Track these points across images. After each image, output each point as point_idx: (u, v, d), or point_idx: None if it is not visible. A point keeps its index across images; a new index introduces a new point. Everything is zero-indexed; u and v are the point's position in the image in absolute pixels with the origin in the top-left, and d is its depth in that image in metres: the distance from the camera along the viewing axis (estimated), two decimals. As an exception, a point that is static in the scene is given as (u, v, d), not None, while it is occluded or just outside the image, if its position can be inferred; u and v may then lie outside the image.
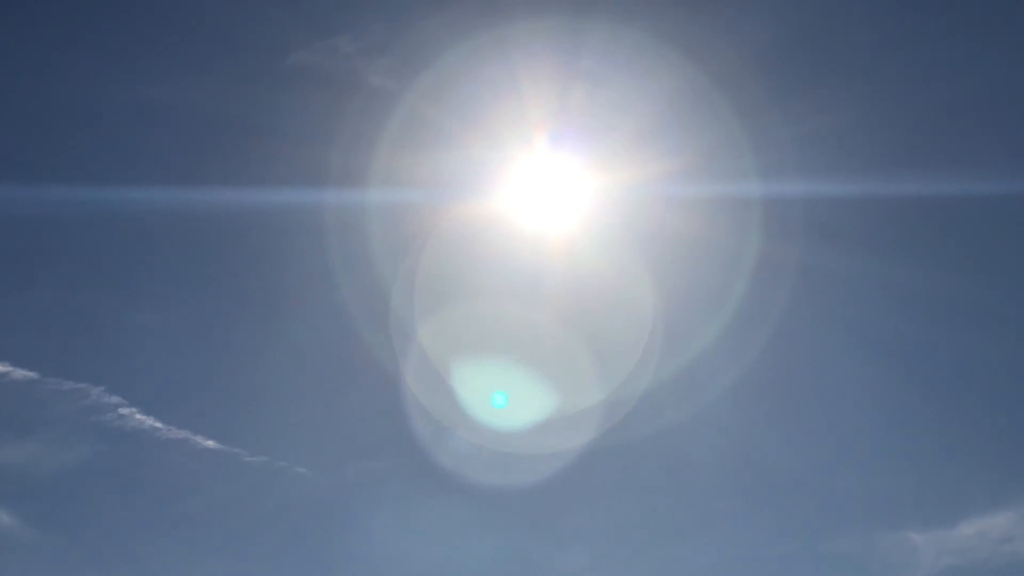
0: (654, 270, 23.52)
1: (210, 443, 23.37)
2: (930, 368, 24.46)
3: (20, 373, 22.92)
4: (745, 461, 23.82)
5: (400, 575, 22.79)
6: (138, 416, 23.33)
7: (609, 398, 23.24)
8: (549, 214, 23.47)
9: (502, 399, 23.01)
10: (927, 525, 23.13)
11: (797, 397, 24.42)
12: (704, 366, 23.28)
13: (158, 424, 23.35)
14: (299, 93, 23.68)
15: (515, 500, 22.91)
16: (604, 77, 22.88)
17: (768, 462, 23.95)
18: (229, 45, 24.00)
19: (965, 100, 24.17)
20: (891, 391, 24.39)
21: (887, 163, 24.08)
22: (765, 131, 23.36)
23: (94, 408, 23.27)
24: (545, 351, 23.36)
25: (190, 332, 24.19)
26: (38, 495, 22.81)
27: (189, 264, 24.31)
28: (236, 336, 24.02)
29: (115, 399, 23.35)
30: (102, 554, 22.77)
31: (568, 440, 23.06)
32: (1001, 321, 24.17)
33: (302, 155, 23.05)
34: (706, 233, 23.43)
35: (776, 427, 24.13)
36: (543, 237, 23.56)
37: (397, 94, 22.98)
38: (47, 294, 23.62)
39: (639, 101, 23.02)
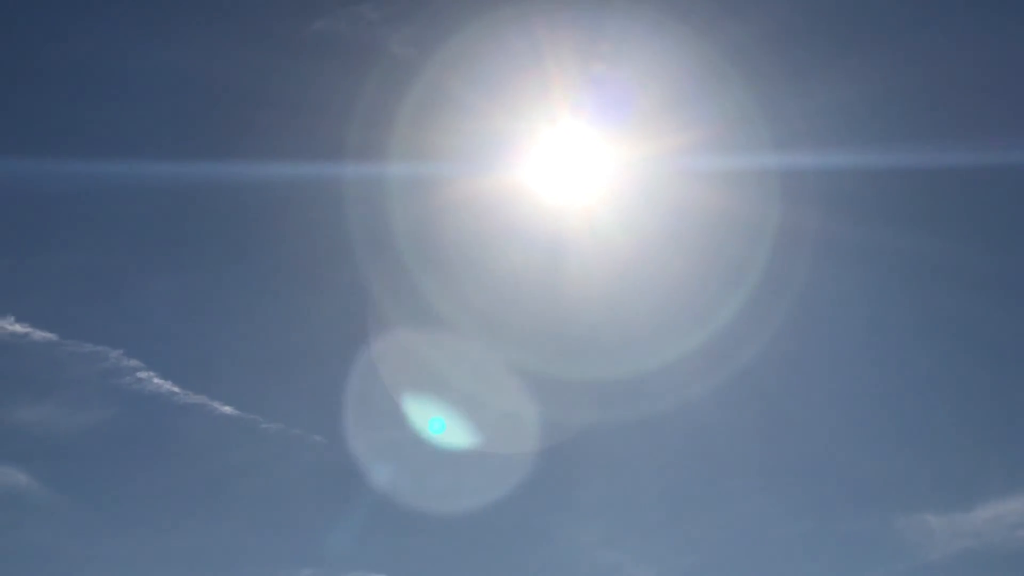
0: (674, 242, 23.46)
1: (227, 409, 23.47)
2: (950, 346, 24.36)
3: (39, 335, 23.05)
4: (763, 438, 23.80)
5: (413, 545, 22.95)
6: (156, 380, 23.45)
7: (628, 372, 23.21)
8: (570, 186, 23.40)
9: (439, 425, 22.99)
10: (944, 508, 23.10)
11: (817, 374, 24.38)
12: (723, 341, 23.22)
13: (176, 389, 23.47)
14: (321, 61, 23.70)
15: (533, 467, 22.83)
16: (625, 50, 22.78)
17: (786, 440, 23.94)
18: (252, 11, 24.05)
19: (987, 71, 24.00)
20: (911, 369, 24.33)
21: (907, 134, 23.98)
22: (783, 103, 23.32)
23: (112, 371, 23.41)
24: (563, 325, 23.33)
25: (209, 299, 24.34)
26: (55, 456, 22.99)
27: (210, 233, 24.45)
28: (255, 305, 24.13)
29: (133, 363, 23.48)
30: (117, 516, 22.98)
31: (592, 413, 23.09)
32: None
33: (323, 125, 23.05)
34: (726, 205, 23.33)
35: (796, 404, 24.06)
36: (564, 208, 23.50)
37: (419, 63, 22.95)
38: (67, 257, 23.82)
39: (659, 75, 22.93)
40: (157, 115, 24.16)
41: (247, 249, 24.14)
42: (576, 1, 22.58)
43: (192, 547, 22.62)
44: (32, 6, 23.95)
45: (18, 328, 22.88)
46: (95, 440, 23.26)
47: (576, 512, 23.37)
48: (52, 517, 22.50)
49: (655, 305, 23.47)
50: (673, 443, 23.71)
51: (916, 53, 24.18)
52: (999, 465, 23.25)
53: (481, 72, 22.66)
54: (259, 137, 23.12)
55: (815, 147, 23.42)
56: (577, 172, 23.30)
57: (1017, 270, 24.13)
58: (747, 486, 23.58)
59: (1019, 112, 23.98)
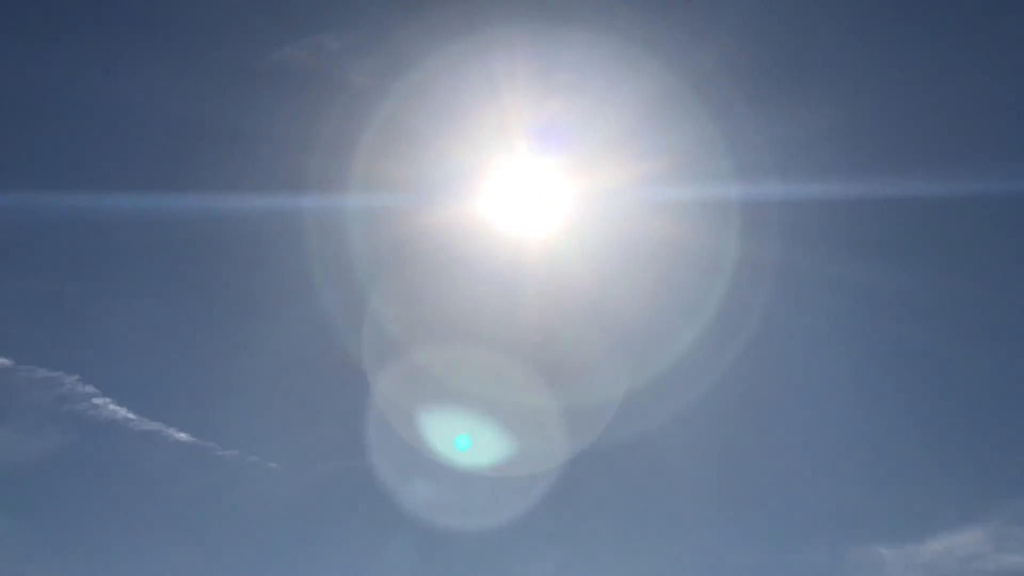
0: (633, 273, 23.56)
1: (183, 435, 23.42)
2: (906, 378, 24.53)
3: (-6, 360, 22.95)
4: (719, 469, 23.85)
5: (369, 572, 22.93)
6: (112, 406, 23.37)
7: (587, 403, 23.26)
8: (529, 217, 23.47)
9: (464, 442, 23.04)
10: (896, 539, 23.18)
11: (773, 405, 24.44)
12: (682, 372, 23.27)
13: (131, 415, 23.40)
14: (282, 90, 23.72)
15: (486, 496, 22.89)
16: (584, 81, 22.89)
17: (742, 470, 24.02)
18: (212, 39, 24.01)
19: (945, 102, 24.16)
20: (867, 401, 24.47)
21: (866, 165, 24.13)
22: (744, 133, 23.38)
23: (68, 397, 23.30)
24: (524, 355, 23.36)
25: (167, 326, 24.26)
26: (8, 483, 22.87)
27: (168, 262, 24.39)
28: (213, 332, 24.10)
29: (89, 388, 23.40)
30: (72, 543, 22.84)
31: (548, 446, 23.09)
32: (982, 328, 24.22)
33: (282, 156, 23.06)
34: (685, 236, 23.42)
35: (751, 434, 24.17)
36: (523, 240, 23.57)
37: (380, 94, 22.96)
38: (24, 283, 23.64)
39: (618, 105, 23.02)
40: (114, 145, 24.17)
41: (205, 278, 24.17)
42: (535, 34, 22.65)
43: (146, 573, 22.57)
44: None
45: (-27, 354, 22.80)
46: (50, 467, 23.19)
47: (532, 541, 23.39)
48: (4, 544, 22.38)
49: (613, 335, 23.57)
50: (629, 472, 23.80)
51: (878, 83, 24.42)
52: (953, 497, 23.40)
53: (441, 103, 22.74)
54: (218, 167, 23.17)
55: (775, 178, 23.55)
56: (536, 203, 23.38)
57: (977, 301, 24.33)
58: (702, 516, 23.63)
59: (983, 142, 24.23)
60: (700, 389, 23.33)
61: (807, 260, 23.71)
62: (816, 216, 24.08)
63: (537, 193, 23.33)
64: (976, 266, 24.54)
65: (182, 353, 24.12)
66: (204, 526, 23.18)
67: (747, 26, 23.84)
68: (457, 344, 23.16)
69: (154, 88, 23.77)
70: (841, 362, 24.71)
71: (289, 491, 23.44)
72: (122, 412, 23.32)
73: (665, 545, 23.50)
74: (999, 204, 24.22)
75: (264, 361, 23.64)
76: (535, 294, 23.49)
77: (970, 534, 22.96)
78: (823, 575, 23.01)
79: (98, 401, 23.27)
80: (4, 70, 23.82)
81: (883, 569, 22.88)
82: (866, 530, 23.34)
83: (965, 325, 24.32)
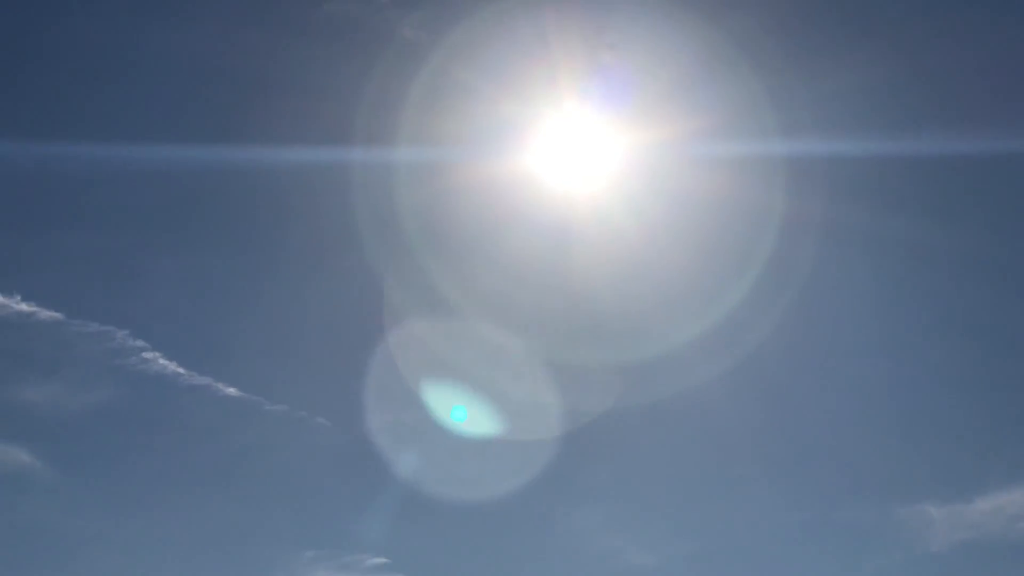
0: (681, 229, 23.45)
1: (231, 390, 23.52)
2: (954, 336, 24.36)
3: (46, 314, 23.08)
4: (766, 426, 23.87)
5: (415, 529, 23.05)
6: (161, 360, 23.47)
7: (632, 359, 23.25)
8: (577, 172, 23.36)
9: (451, 411, 23.03)
10: (944, 499, 23.17)
11: (820, 363, 24.43)
12: (729, 328, 23.21)
13: (181, 369, 23.49)
14: (331, 43, 23.59)
15: (536, 453, 22.86)
16: (633, 37, 22.68)
17: (789, 429, 24.02)
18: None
19: (989, 58, 23.94)
20: (914, 360, 24.36)
21: (914, 121, 23.91)
22: (790, 89, 23.17)
23: (118, 351, 23.43)
24: (570, 311, 23.36)
25: (216, 281, 24.31)
26: (60, 436, 23.08)
27: (217, 216, 24.42)
28: (261, 288, 24.07)
29: (139, 343, 23.50)
30: (121, 496, 23.07)
31: (594, 400, 23.11)
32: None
33: (331, 109, 22.94)
34: (732, 192, 23.29)
35: (799, 393, 24.16)
36: (571, 195, 23.47)
37: (429, 47, 22.85)
38: (74, 237, 23.71)
39: (665, 61, 22.82)
40: (164, 97, 24.16)
41: (254, 233, 24.21)
42: (584, -13, 22.56)
43: (195, 528, 22.79)
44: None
45: (24, 307, 22.94)
46: (100, 420, 23.37)
47: (578, 498, 23.48)
48: (56, 497, 22.61)
49: (661, 292, 23.49)
50: (676, 430, 23.82)
51: (924, 40, 24.14)
52: (1000, 457, 23.34)
53: (490, 57, 22.57)
54: (267, 120, 23.02)
55: (822, 134, 23.36)
56: (584, 158, 23.25)
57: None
58: (748, 474, 23.66)
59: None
60: (747, 346, 23.28)
61: (855, 216, 23.55)
62: (864, 173, 23.95)
63: (584, 149, 23.21)
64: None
65: (231, 308, 24.24)
66: (251, 480, 23.34)
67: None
68: (505, 300, 23.15)
69: (205, 40, 23.74)
70: (887, 321, 24.67)
71: (337, 446, 23.57)
72: (172, 367, 23.45)
73: (712, 503, 23.58)
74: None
75: (313, 317, 23.75)
76: (580, 249, 23.43)
77: (1018, 493, 22.92)
78: (871, 534, 23.02)
79: (148, 356, 23.41)
80: (59, 24, 23.93)
81: (931, 528, 22.88)
82: (914, 489, 23.35)
83: (1015, 284, 24.17)
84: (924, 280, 24.27)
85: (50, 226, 23.77)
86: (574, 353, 23.28)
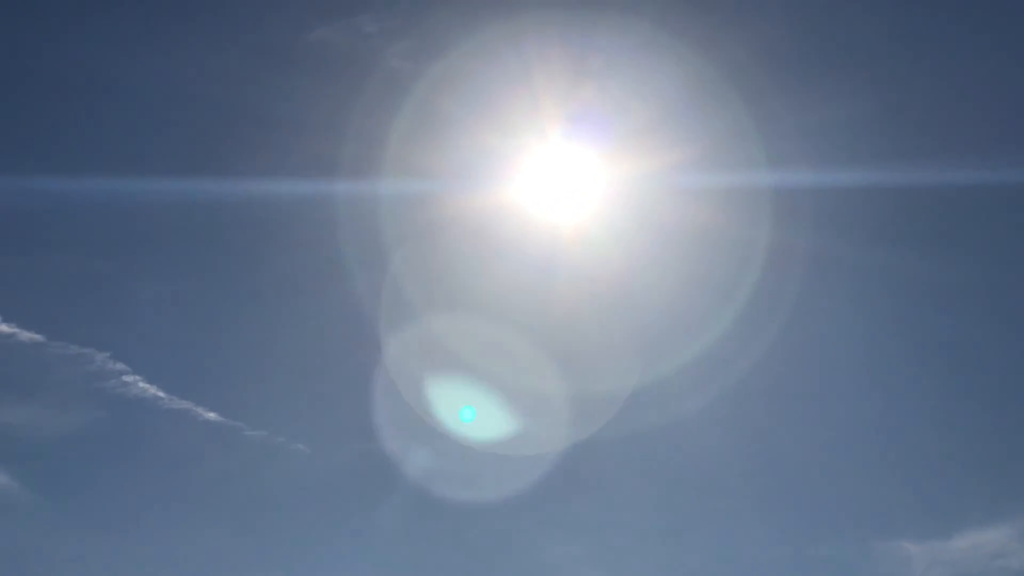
0: (664, 260, 23.49)
1: (212, 415, 23.49)
2: (935, 371, 24.41)
3: (26, 335, 23.03)
4: (744, 462, 23.78)
5: (394, 558, 22.99)
6: (141, 384, 23.43)
7: (616, 389, 23.23)
8: (561, 203, 23.40)
9: (469, 413, 23.03)
10: (922, 535, 23.14)
11: (800, 397, 24.41)
12: (709, 361, 23.23)
13: (161, 393, 23.46)
14: (316, 73, 23.64)
15: (512, 492, 22.88)
16: (617, 67, 22.74)
17: (767, 464, 23.99)
18: (247, 21, 23.96)
19: (976, 89, 24.02)
20: (894, 395, 24.36)
21: (899, 153, 23.98)
22: (776, 121, 23.25)
23: (98, 374, 23.40)
24: (554, 341, 23.35)
25: (198, 307, 24.28)
26: (38, 458, 22.95)
27: (201, 243, 24.38)
28: (243, 315, 24.09)
29: (119, 366, 23.46)
30: (99, 519, 22.97)
31: (573, 432, 23.10)
32: (1016, 322, 24.08)
33: (315, 139, 23.01)
34: (717, 223, 23.32)
35: (778, 427, 24.14)
36: (554, 226, 23.49)
37: (414, 78, 22.88)
38: (57, 259, 23.72)
39: (651, 91, 22.90)
40: (149, 125, 24.16)
41: (237, 260, 24.23)
42: (569, 19, 22.55)
43: (173, 552, 22.63)
44: (27, 15, 23.86)
45: (4, 328, 22.89)
46: (79, 443, 23.31)
47: (559, 527, 23.44)
48: (33, 519, 22.55)
49: (645, 322, 23.54)
50: (657, 461, 23.77)
51: (911, 71, 24.24)
52: (980, 494, 23.33)
53: (475, 88, 22.62)
54: (250, 150, 23.09)
55: (808, 165, 23.43)
56: (569, 189, 23.31)
57: (1012, 293, 24.19)
58: (729, 507, 23.63)
59: (1018, 130, 24.00)
60: (727, 379, 23.30)
61: (839, 248, 23.62)
62: (850, 203, 23.99)
63: (569, 180, 23.27)
64: (1013, 257, 24.39)
65: (212, 334, 24.22)
66: (231, 506, 23.32)
67: (780, 13, 23.77)
68: (487, 330, 23.13)
69: (188, 70, 23.75)
70: (870, 354, 24.66)
71: (315, 473, 23.56)
72: (152, 390, 23.42)
73: (687, 538, 23.53)
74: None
75: (293, 344, 23.73)
76: (565, 280, 23.47)
77: (996, 531, 22.93)
78: (849, 570, 23.01)
79: (128, 379, 23.38)
80: (39, 52, 23.90)
81: (909, 565, 22.87)
82: (892, 526, 23.34)
83: (998, 317, 24.22)
84: (907, 314, 24.33)
85: (31, 248, 23.80)
86: (557, 383, 23.25)
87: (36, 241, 23.85)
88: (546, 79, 22.53)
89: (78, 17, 23.93)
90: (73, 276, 23.62)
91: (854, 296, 24.21)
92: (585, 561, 23.11)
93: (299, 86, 23.44)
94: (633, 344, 23.42)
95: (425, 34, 23.25)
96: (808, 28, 23.98)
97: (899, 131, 23.99)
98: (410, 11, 23.75)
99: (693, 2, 23.39)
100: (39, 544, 22.39)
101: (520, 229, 23.25)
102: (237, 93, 23.47)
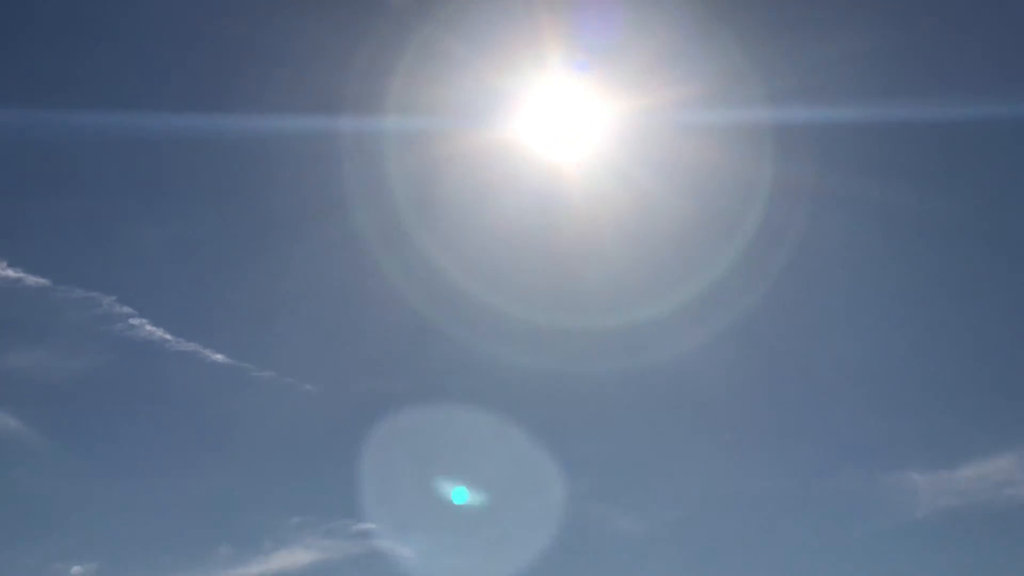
0: (668, 196, 23.46)
1: (219, 357, 23.53)
2: (940, 304, 24.44)
3: (32, 280, 23.05)
4: (752, 394, 23.91)
5: (401, 492, 23.03)
6: (148, 327, 23.46)
7: (620, 325, 23.27)
8: (565, 140, 23.36)
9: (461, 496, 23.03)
10: (929, 466, 23.24)
11: (807, 331, 24.43)
12: (716, 297, 23.28)
13: (168, 336, 23.49)
14: (320, 12, 23.55)
15: (523, 418, 22.95)
16: (620, 5, 22.67)
17: (773, 397, 24.06)
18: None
19: (976, 24, 23.97)
20: (900, 328, 24.40)
21: (901, 89, 23.93)
22: (778, 58, 23.24)
23: (104, 317, 23.41)
24: (558, 277, 23.40)
25: (203, 248, 24.34)
26: (46, 401, 23.07)
27: (205, 184, 24.43)
28: (248, 254, 24.12)
29: (126, 309, 23.49)
30: (108, 461, 23.08)
31: (581, 366, 23.16)
32: (1017, 251, 24.09)
33: (319, 77, 22.98)
34: (720, 159, 23.31)
35: (785, 361, 24.20)
36: (559, 162, 23.47)
37: (417, 17, 22.75)
38: (62, 204, 23.72)
39: (654, 30, 22.80)
40: (152, 65, 24.13)
41: (241, 200, 24.20)
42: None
43: (182, 492, 22.80)
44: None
45: (11, 273, 22.92)
46: (87, 386, 23.38)
47: (565, 463, 23.46)
48: (43, 462, 22.61)
49: (649, 258, 23.58)
50: (663, 396, 23.84)
51: (911, 7, 24.15)
52: (985, 424, 23.43)
53: (479, 27, 22.56)
54: (255, 88, 23.12)
55: (810, 102, 23.37)
56: (572, 127, 23.26)
57: (1016, 226, 24.16)
58: (734, 441, 23.75)
59: (1016, 66, 23.95)
60: (735, 314, 23.32)
61: (844, 184, 23.57)
62: (851, 139, 24.00)
63: (572, 117, 23.20)
64: (1016, 191, 24.36)
65: (219, 275, 24.23)
66: (239, 446, 23.34)
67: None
68: (493, 266, 23.18)
69: (194, 8, 23.68)
70: (875, 288, 24.73)
71: (324, 413, 23.57)
72: (159, 333, 23.44)
73: (699, 471, 23.62)
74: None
75: (300, 283, 23.75)
76: (570, 216, 23.46)
77: (1003, 460, 23.03)
78: (856, 501, 23.10)
79: (135, 322, 23.39)
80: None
81: (916, 495, 22.96)
82: (899, 457, 23.43)
83: (1002, 251, 24.21)
84: (912, 247, 24.38)
85: (36, 193, 23.82)
86: (562, 319, 23.28)
87: (38, 185, 23.91)
88: (550, 17, 22.46)
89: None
90: (77, 220, 23.67)
91: (859, 231, 24.21)
92: (593, 496, 23.24)
93: (303, 24, 23.39)
94: (638, 280, 23.46)
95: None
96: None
97: (901, 66, 23.97)
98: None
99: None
100: (50, 486, 22.51)
101: (524, 166, 23.25)
102: (240, 32, 23.42)
